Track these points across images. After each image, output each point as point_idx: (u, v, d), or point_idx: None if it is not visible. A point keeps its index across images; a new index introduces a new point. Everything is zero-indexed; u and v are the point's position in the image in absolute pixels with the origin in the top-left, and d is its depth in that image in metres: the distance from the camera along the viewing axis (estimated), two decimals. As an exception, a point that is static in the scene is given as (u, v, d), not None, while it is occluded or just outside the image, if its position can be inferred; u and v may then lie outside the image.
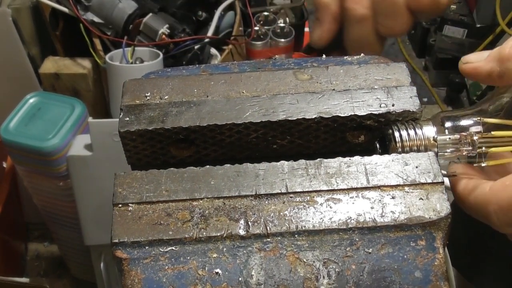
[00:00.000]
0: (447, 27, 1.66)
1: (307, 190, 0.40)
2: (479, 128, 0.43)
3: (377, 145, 0.45)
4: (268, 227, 0.38)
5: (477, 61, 0.43)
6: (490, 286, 0.89)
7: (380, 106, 0.43)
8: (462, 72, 0.45)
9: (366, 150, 0.45)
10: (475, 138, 0.42)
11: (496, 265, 0.84)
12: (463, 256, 0.86)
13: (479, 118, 0.44)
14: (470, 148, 0.42)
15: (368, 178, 0.40)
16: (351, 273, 0.37)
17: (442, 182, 0.39)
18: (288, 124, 0.43)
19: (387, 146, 0.43)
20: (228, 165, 0.41)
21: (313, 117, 0.43)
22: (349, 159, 0.41)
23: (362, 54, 0.49)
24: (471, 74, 0.44)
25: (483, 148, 0.42)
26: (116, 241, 0.38)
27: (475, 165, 0.43)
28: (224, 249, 0.38)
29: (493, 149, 0.42)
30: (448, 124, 0.44)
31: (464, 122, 0.44)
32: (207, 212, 0.39)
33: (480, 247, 0.85)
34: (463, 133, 0.42)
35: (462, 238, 0.83)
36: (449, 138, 0.43)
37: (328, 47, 0.61)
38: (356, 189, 0.40)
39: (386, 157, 0.41)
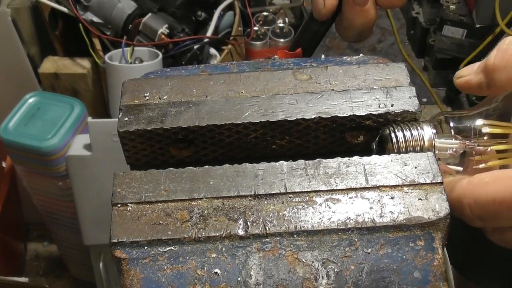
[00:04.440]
0: (447, 28, 1.65)
1: (306, 190, 0.40)
2: (481, 129, 0.43)
3: (374, 146, 0.45)
4: (267, 227, 0.38)
5: (468, 74, 0.45)
6: (488, 283, 0.89)
7: (379, 106, 0.43)
8: (457, 86, 0.46)
9: (365, 150, 0.45)
10: (474, 140, 0.42)
11: (495, 262, 0.84)
12: (461, 254, 0.86)
13: (480, 120, 0.44)
14: (470, 147, 0.42)
15: (367, 178, 0.40)
16: (350, 273, 0.37)
17: (441, 183, 0.39)
18: (287, 124, 0.43)
19: (384, 147, 0.43)
20: (227, 165, 0.41)
21: (312, 117, 0.43)
22: (348, 159, 0.41)
23: (361, 54, 0.49)
24: (464, 87, 0.46)
25: (489, 149, 0.42)
26: (115, 241, 0.38)
27: (474, 167, 0.43)
28: (223, 249, 0.38)
29: (491, 163, 0.43)
30: (447, 125, 0.44)
31: (463, 124, 0.44)
32: (206, 212, 0.39)
33: (478, 244, 0.85)
34: (463, 140, 0.43)
35: (461, 235, 0.83)
36: (448, 140, 0.43)
37: (329, 20, 0.61)
38: (355, 189, 0.40)
39: (385, 157, 0.41)
